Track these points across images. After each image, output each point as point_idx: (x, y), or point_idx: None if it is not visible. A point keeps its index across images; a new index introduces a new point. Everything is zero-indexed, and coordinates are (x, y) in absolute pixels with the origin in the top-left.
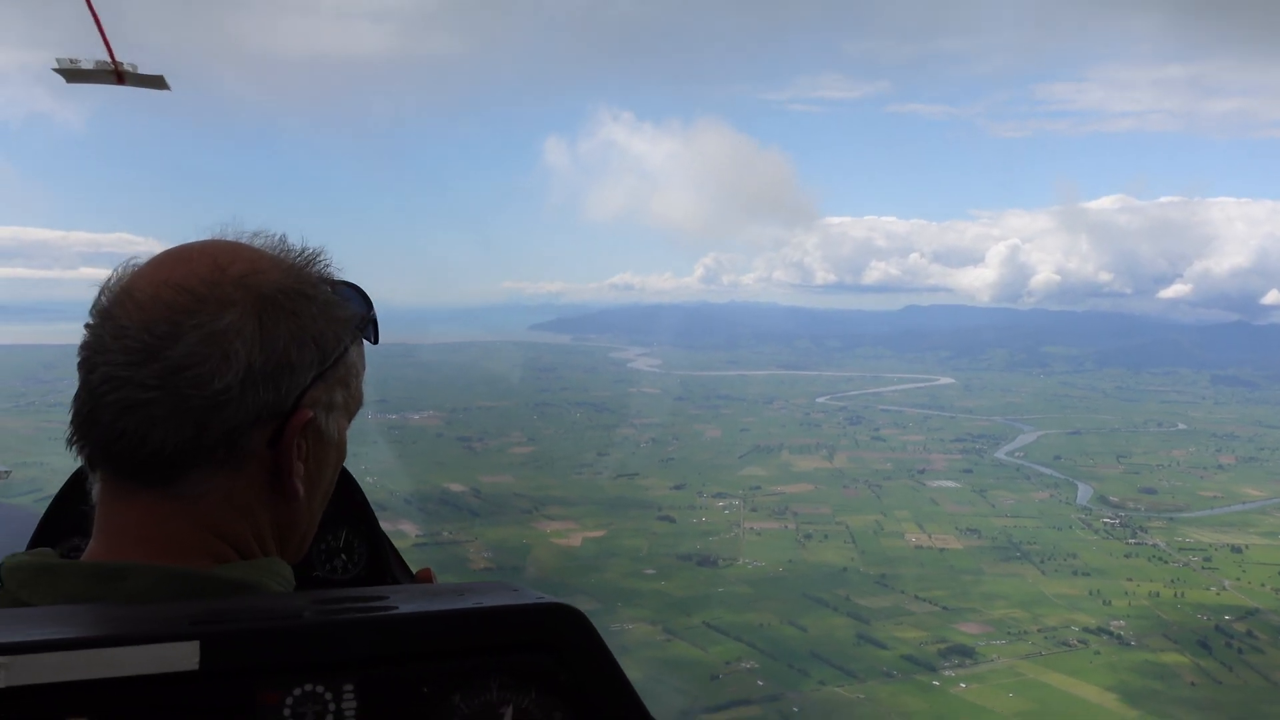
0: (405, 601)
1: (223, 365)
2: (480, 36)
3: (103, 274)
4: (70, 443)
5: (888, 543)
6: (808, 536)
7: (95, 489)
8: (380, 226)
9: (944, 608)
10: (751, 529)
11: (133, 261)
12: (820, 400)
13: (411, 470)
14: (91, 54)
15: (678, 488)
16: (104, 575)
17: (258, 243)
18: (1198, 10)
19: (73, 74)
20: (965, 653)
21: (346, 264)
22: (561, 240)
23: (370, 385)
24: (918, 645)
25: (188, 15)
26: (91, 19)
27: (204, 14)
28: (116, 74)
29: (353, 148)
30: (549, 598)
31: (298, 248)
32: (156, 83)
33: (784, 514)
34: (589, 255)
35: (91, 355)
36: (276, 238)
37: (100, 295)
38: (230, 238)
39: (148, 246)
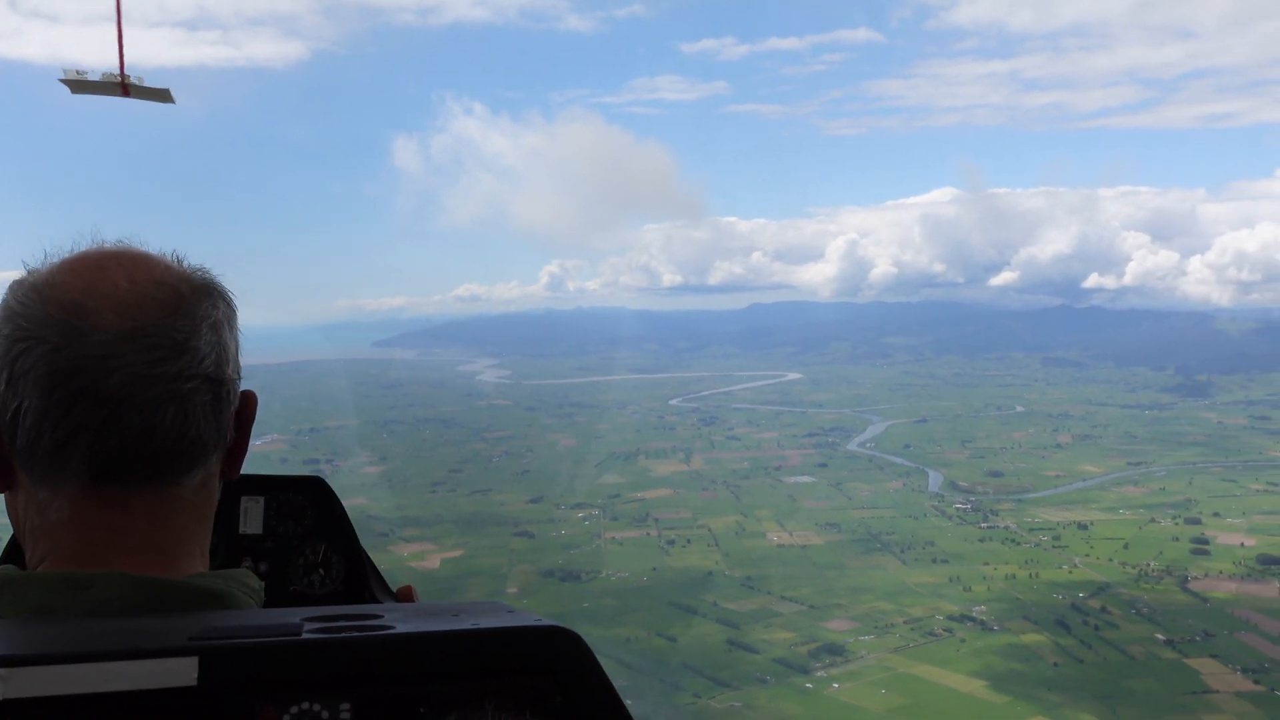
0: (401, 621)
1: (224, 353)
2: (311, 44)
3: None
4: (57, 453)
5: (750, 543)
6: (670, 542)
7: (53, 504)
8: (208, 243)
9: (811, 606)
10: (613, 539)
11: (26, 281)
12: (673, 403)
13: None
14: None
15: (535, 501)
16: (70, 584)
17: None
18: (1013, 6)
19: (78, 85)
20: (835, 651)
21: None
22: (403, 252)
23: None
24: (789, 647)
25: None
26: (115, 32)
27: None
28: (123, 86)
29: (171, 160)
30: (546, 620)
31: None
32: (162, 96)
33: (645, 521)
34: (432, 266)
35: (85, 365)
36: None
37: (37, 315)
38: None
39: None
